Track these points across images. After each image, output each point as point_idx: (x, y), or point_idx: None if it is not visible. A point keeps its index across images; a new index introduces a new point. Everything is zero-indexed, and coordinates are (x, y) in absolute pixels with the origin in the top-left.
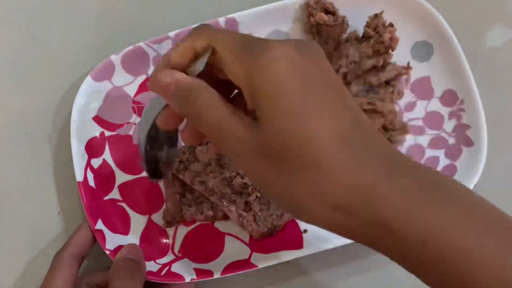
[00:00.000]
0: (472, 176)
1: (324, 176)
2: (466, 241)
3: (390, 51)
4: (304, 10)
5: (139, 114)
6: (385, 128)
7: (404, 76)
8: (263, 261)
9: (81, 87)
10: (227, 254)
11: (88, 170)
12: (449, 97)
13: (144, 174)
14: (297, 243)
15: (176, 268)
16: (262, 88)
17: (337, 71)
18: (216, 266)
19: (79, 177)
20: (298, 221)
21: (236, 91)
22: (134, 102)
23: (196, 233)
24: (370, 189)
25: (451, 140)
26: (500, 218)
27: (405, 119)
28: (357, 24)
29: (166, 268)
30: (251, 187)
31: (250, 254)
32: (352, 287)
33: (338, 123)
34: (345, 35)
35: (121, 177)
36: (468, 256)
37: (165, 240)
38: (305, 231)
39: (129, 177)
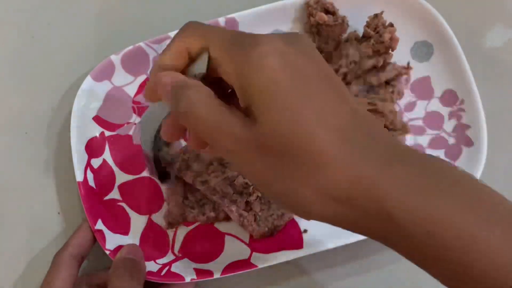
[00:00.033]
0: None
1: (324, 171)
2: (471, 229)
3: (390, 51)
4: (304, 10)
5: (139, 114)
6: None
7: (404, 76)
8: (263, 261)
9: (81, 87)
10: (227, 254)
11: (88, 170)
12: (449, 97)
13: (144, 174)
14: (297, 243)
15: (176, 268)
16: (254, 85)
17: (337, 71)
18: (216, 266)
19: (79, 177)
20: (298, 221)
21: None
22: (134, 102)
23: (196, 233)
24: (371, 179)
25: (451, 140)
26: (505, 204)
27: (405, 119)
28: (357, 24)
29: (166, 268)
30: (252, 187)
31: (250, 254)
32: (352, 287)
33: (335, 116)
34: (345, 35)
35: (121, 177)
36: (474, 245)
37: (165, 240)
38: (305, 231)
39: (129, 177)
